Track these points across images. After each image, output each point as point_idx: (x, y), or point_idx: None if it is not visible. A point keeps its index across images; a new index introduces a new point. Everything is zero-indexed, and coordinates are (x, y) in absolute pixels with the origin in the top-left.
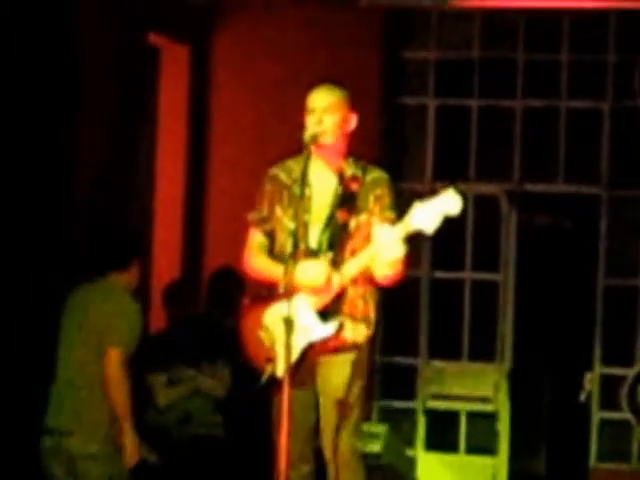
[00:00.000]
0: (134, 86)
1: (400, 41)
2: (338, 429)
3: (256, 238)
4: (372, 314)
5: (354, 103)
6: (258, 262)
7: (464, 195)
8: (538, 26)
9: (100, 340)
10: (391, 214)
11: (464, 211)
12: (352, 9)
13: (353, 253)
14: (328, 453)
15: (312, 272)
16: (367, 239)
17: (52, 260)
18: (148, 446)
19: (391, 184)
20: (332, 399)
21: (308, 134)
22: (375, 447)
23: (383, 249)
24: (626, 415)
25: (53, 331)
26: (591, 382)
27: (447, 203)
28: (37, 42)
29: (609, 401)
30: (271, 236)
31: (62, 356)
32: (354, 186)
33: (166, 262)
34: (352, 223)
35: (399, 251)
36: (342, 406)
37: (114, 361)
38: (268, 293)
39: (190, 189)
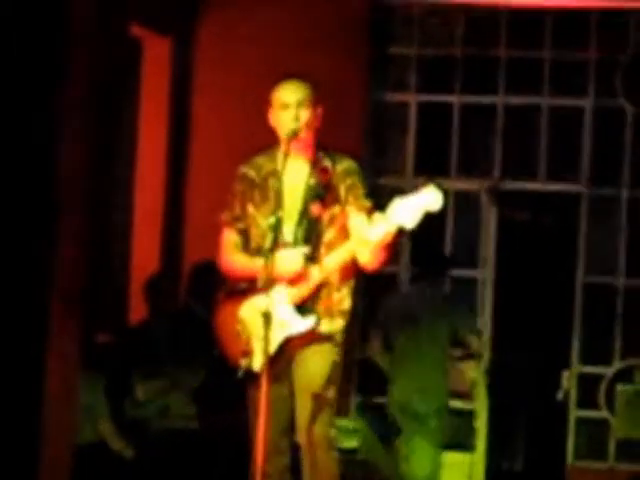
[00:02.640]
0: (115, 78)
1: (382, 38)
2: (313, 418)
3: (230, 238)
4: (347, 304)
5: (337, 99)
6: (235, 259)
7: (445, 191)
8: (520, 23)
9: None
10: (367, 202)
11: (444, 207)
12: (336, 3)
13: (329, 246)
14: (303, 442)
15: (288, 259)
16: (342, 230)
17: (31, 247)
18: (125, 440)
19: (361, 172)
20: (307, 390)
21: (288, 129)
22: (352, 443)
23: (363, 244)
24: (603, 414)
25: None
26: (569, 380)
27: (428, 199)
28: (18, 31)
29: (586, 400)
30: (244, 235)
31: None
32: (325, 178)
33: (145, 255)
34: (326, 216)
35: (380, 244)
36: (318, 398)
37: None
38: (245, 287)
39: (171, 182)
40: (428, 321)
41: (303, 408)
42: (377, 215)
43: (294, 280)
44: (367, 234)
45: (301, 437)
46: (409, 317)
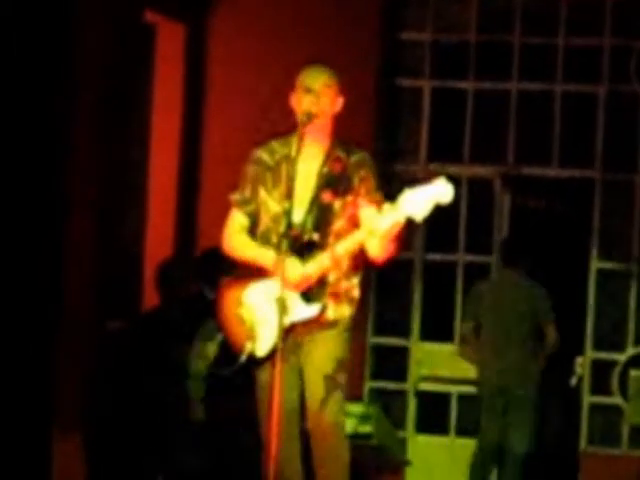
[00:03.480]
0: (129, 63)
1: (396, 23)
2: (323, 403)
3: (237, 219)
4: (356, 293)
5: (350, 84)
6: (237, 240)
7: (456, 182)
8: (534, 9)
9: None
10: (378, 196)
11: (458, 193)
12: None
13: (338, 235)
14: (312, 427)
15: (288, 270)
16: (352, 220)
17: (43, 240)
18: None
19: (374, 165)
20: (316, 374)
21: (304, 113)
22: (366, 428)
23: (372, 234)
24: (616, 400)
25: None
26: (582, 366)
27: (439, 191)
28: (33, 18)
29: (600, 386)
30: (252, 218)
31: None
32: (338, 167)
33: (159, 241)
34: (336, 204)
35: (388, 234)
36: (327, 382)
37: None
38: (250, 272)
39: (184, 168)
40: (514, 307)
41: (313, 392)
42: (387, 205)
43: (292, 285)
44: (376, 223)
45: (311, 422)
46: (497, 303)
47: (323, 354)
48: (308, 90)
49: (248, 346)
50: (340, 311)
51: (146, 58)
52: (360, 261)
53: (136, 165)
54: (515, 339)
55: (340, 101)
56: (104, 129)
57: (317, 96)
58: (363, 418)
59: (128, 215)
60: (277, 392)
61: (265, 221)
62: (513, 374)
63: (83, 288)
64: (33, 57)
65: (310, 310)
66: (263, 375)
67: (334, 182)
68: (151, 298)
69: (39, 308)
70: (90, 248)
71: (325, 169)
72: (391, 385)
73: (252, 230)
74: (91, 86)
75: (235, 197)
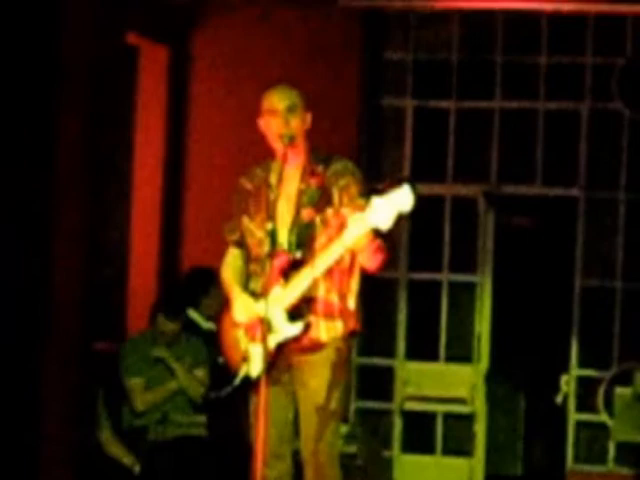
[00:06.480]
0: (112, 86)
1: (379, 43)
2: (319, 435)
3: (229, 251)
4: (352, 307)
5: (333, 104)
6: (222, 276)
7: (440, 199)
8: (516, 28)
9: None
10: (362, 201)
11: (442, 212)
12: (330, 10)
13: (323, 250)
14: (307, 455)
15: (243, 308)
16: (338, 232)
17: (30, 261)
18: (124, 448)
19: (356, 171)
20: (312, 405)
21: (286, 136)
22: (352, 448)
23: (352, 240)
24: (602, 417)
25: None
26: (567, 384)
27: (399, 200)
28: (16, 40)
29: (585, 403)
30: (240, 246)
31: None
32: (316, 182)
33: (144, 263)
34: (318, 220)
35: (364, 246)
36: (324, 413)
37: None
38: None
39: (168, 189)
40: None
41: (308, 423)
42: (354, 216)
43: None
44: (344, 236)
45: (305, 449)
46: None
47: (315, 383)
48: (274, 113)
49: (244, 367)
50: (332, 330)
51: (129, 80)
52: (351, 273)
53: (120, 186)
54: None
55: (309, 117)
56: (88, 152)
57: (284, 118)
58: (349, 438)
59: (112, 235)
60: (262, 412)
61: (252, 247)
62: None
63: (70, 309)
64: (15, 79)
65: (293, 329)
66: (255, 395)
67: (314, 198)
68: (135, 320)
69: (26, 329)
70: (77, 268)
71: (303, 186)
72: (377, 405)
73: (247, 257)
74: (74, 107)
75: (224, 229)
